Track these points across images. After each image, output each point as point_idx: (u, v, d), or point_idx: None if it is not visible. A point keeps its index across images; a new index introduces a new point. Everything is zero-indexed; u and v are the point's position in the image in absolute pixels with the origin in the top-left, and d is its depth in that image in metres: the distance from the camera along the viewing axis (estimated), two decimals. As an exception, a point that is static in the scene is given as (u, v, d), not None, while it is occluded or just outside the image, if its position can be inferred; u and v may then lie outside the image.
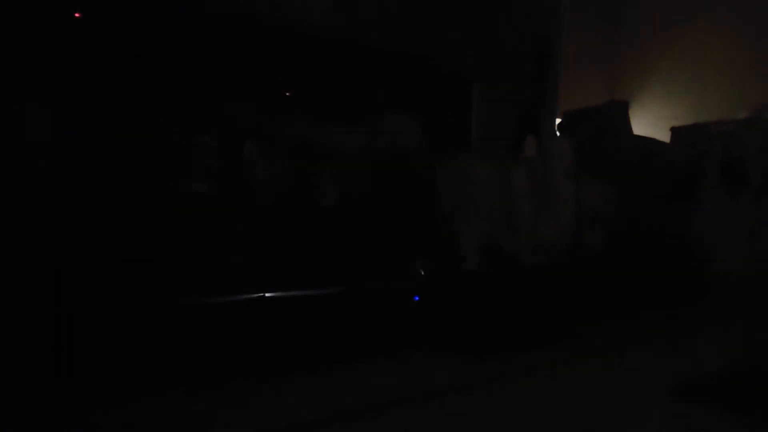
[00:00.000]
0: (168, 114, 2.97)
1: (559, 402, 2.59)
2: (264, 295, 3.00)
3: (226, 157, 3.14)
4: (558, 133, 6.62)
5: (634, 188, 5.36)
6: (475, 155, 4.25)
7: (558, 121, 6.54)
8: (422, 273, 3.73)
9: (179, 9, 3.04)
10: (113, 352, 2.53)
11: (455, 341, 3.41)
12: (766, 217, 6.01)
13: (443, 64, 4.60)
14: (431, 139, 3.96)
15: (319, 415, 2.29)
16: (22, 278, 2.43)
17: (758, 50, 6.91)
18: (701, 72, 7.20)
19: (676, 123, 6.77)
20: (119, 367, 2.52)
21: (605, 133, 6.46)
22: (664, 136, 6.77)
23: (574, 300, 4.05)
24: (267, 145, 3.27)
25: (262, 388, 2.61)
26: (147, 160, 2.89)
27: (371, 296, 3.45)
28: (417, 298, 3.59)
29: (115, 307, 2.61)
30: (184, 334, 2.72)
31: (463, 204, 3.79)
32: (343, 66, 3.74)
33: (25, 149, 2.53)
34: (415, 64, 4.25)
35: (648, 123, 7.28)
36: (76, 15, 3.88)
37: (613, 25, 7.88)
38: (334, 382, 2.76)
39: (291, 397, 2.53)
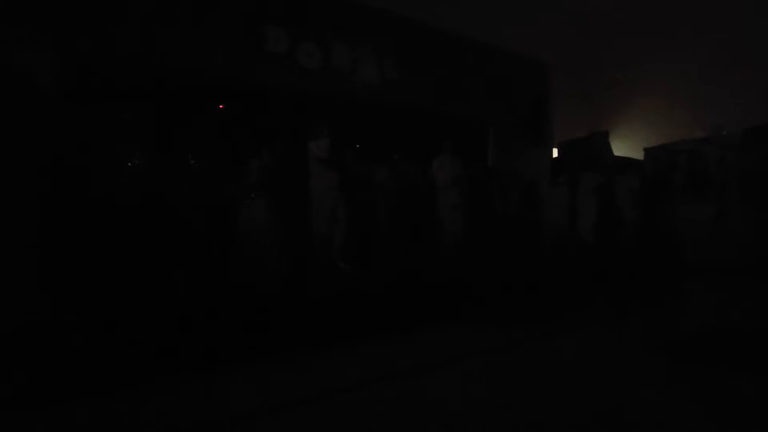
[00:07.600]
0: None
1: (561, 361, 3.18)
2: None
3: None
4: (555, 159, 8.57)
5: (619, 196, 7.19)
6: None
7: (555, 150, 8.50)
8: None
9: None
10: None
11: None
12: (726, 211, 7.73)
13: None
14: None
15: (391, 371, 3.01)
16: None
17: (709, 82, 8.72)
18: (666, 102, 9.09)
19: (648, 144, 8.66)
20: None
21: (593, 156, 8.37)
22: (639, 155, 8.65)
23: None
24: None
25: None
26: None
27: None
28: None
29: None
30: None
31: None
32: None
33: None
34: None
35: (626, 146, 9.22)
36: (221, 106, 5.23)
37: (596, 70, 9.93)
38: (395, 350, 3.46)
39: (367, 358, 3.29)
